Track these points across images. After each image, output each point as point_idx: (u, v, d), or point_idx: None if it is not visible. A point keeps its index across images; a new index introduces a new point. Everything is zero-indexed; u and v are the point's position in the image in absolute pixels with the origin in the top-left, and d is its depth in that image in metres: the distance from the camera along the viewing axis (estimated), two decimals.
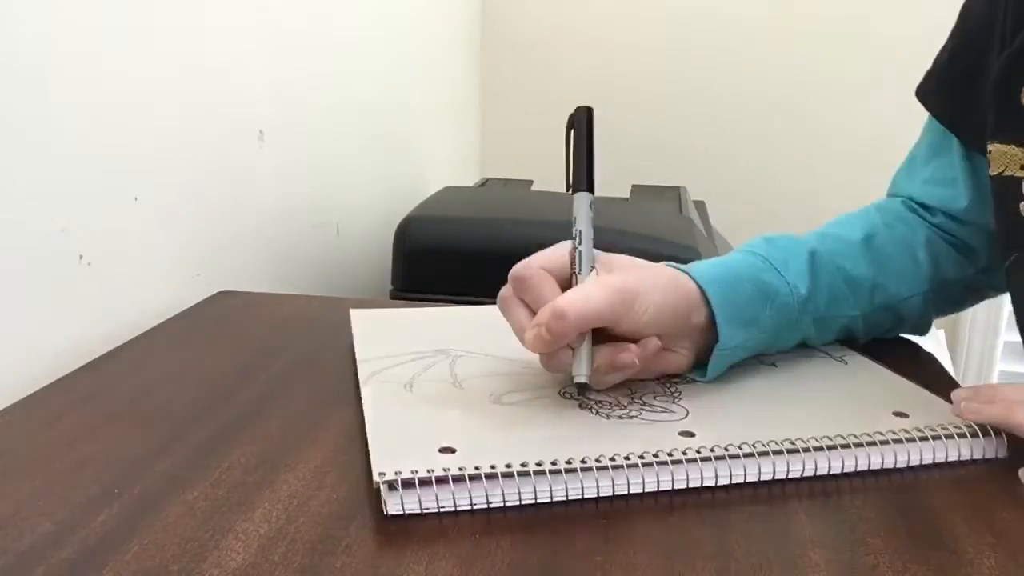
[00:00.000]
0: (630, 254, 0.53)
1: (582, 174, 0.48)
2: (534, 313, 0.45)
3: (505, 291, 0.48)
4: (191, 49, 0.73)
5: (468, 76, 1.83)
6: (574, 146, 0.48)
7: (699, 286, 0.49)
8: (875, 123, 1.66)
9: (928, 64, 0.64)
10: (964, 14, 0.60)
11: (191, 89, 0.73)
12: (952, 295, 0.62)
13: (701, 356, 0.51)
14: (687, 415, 0.47)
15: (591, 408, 0.47)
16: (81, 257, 0.60)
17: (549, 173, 1.57)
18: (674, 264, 0.52)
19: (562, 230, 0.92)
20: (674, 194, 1.33)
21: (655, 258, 0.93)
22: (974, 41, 0.58)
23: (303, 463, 0.43)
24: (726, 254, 0.56)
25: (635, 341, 0.47)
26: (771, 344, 0.55)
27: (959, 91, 0.59)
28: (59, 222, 0.58)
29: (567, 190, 0.48)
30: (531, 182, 1.46)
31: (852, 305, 0.57)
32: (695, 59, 1.79)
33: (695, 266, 0.52)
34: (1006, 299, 0.59)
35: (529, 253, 0.54)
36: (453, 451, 0.41)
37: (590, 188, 0.48)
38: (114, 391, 0.52)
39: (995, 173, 0.53)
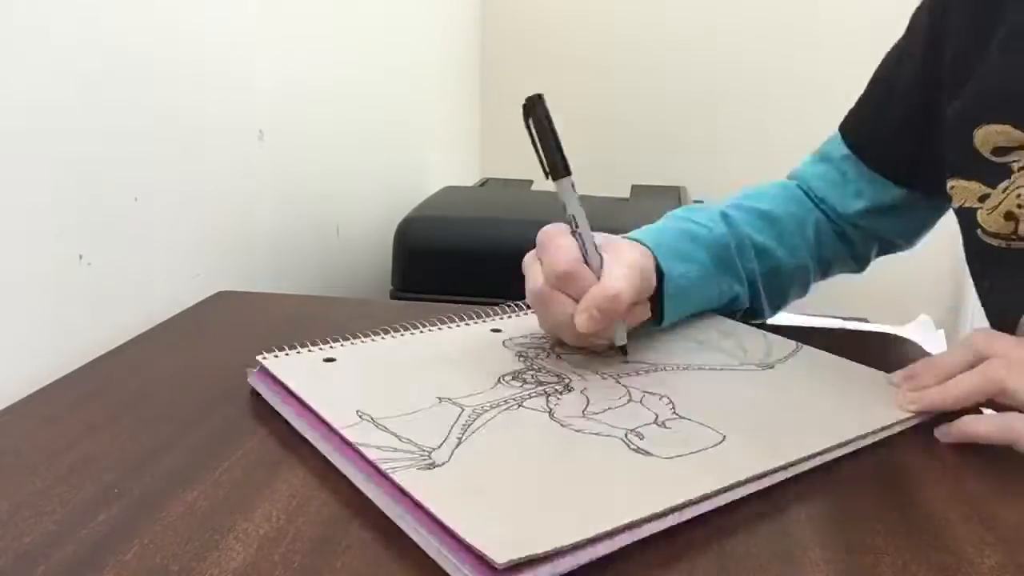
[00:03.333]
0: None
1: (556, 160, 0.51)
2: (575, 300, 0.51)
3: (541, 288, 0.52)
4: (191, 49, 0.73)
5: (468, 76, 1.83)
6: (539, 135, 0.50)
7: (642, 243, 0.57)
8: None
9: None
10: (882, 62, 0.70)
11: (191, 89, 0.73)
12: (824, 268, 0.73)
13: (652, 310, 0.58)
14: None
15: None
16: (81, 257, 0.60)
17: None
18: (620, 236, 0.58)
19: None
20: (674, 194, 1.33)
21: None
22: (885, 80, 0.69)
23: (303, 463, 0.43)
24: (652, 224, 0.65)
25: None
26: (713, 284, 0.62)
27: (871, 126, 0.69)
28: (59, 222, 0.58)
29: (546, 178, 0.51)
30: (531, 182, 1.46)
31: (752, 260, 0.65)
32: (696, 59, 1.79)
33: (630, 234, 0.61)
34: None
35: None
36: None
37: (567, 171, 0.51)
38: (114, 391, 0.52)
39: (957, 206, 0.59)
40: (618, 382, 0.52)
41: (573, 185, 0.52)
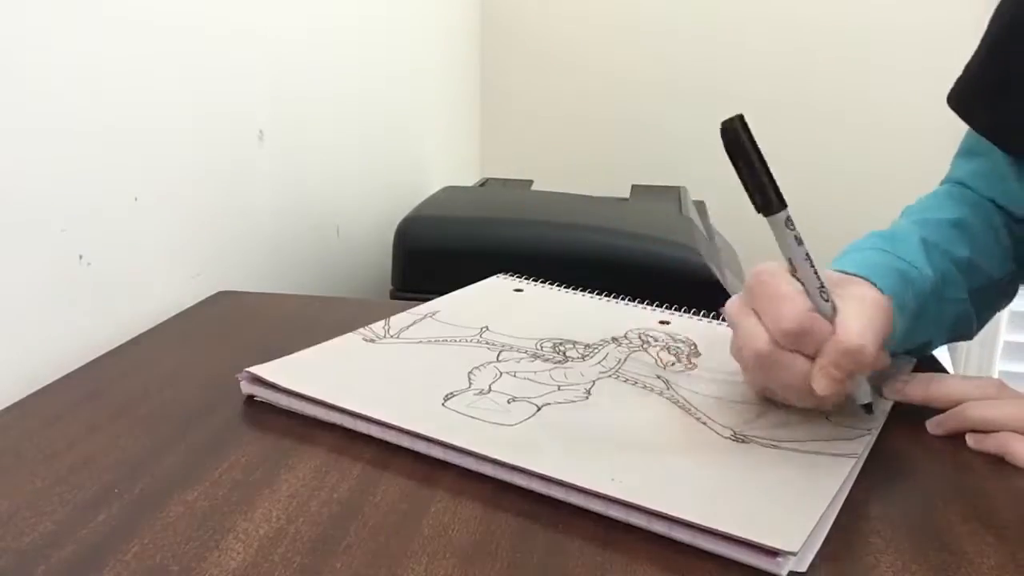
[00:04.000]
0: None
1: (767, 193, 0.42)
2: (809, 358, 0.44)
3: (766, 348, 0.44)
4: (191, 49, 0.73)
5: (468, 76, 1.83)
6: (742, 164, 0.42)
7: (866, 279, 0.49)
8: (876, 122, 1.66)
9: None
10: (995, 19, 0.60)
11: (191, 89, 0.73)
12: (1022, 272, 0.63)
13: None
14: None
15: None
16: (81, 257, 0.60)
17: (549, 173, 1.57)
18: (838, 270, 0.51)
19: (562, 230, 0.92)
20: (674, 194, 1.33)
21: (655, 258, 0.93)
22: (1007, 45, 0.58)
23: (303, 463, 0.43)
24: (847, 253, 0.55)
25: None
26: (911, 333, 0.53)
27: (995, 98, 0.59)
28: (59, 222, 0.58)
29: (757, 213, 0.43)
30: (531, 182, 1.46)
31: (962, 287, 0.57)
32: (696, 59, 1.79)
33: (836, 264, 0.52)
34: None
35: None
36: None
37: (781, 204, 0.43)
38: (114, 391, 0.52)
39: None
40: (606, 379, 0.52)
41: (790, 220, 0.43)
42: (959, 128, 0.65)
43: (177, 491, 0.40)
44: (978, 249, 0.58)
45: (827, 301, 0.44)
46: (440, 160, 1.60)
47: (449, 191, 1.24)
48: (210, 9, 0.75)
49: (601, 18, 1.82)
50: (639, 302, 0.67)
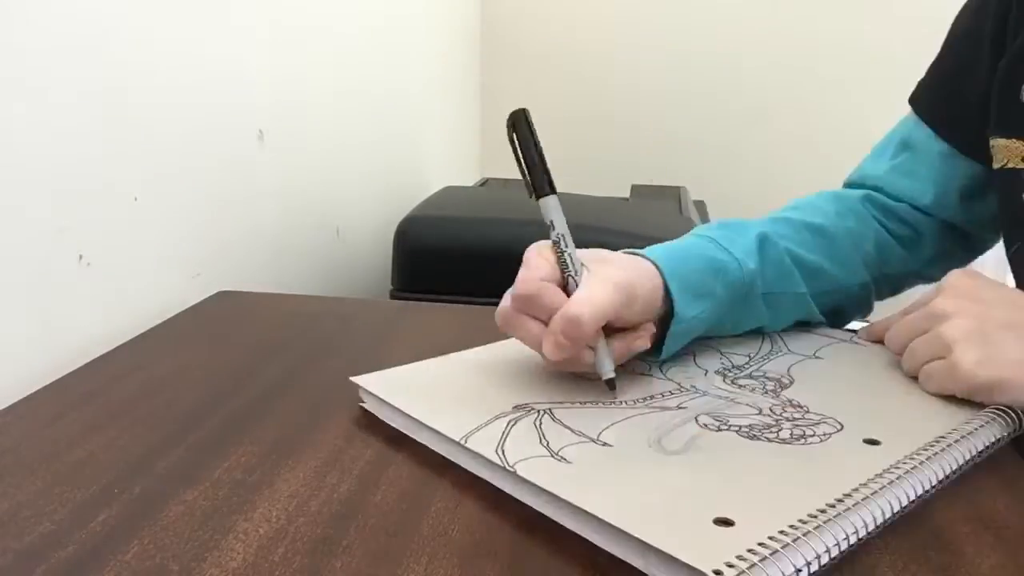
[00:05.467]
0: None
1: (541, 179, 0.49)
2: (544, 323, 0.47)
3: (506, 310, 0.48)
4: (191, 49, 0.73)
5: (468, 76, 1.83)
6: (523, 152, 0.48)
7: (653, 263, 0.51)
8: (876, 123, 1.66)
9: (925, 64, 0.68)
10: (952, 29, 0.65)
11: (191, 89, 0.73)
12: (892, 285, 0.67)
13: (656, 336, 0.52)
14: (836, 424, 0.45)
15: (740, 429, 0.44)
16: (81, 257, 0.60)
17: None
18: (631, 250, 0.53)
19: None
20: (674, 194, 1.33)
21: None
22: (960, 53, 0.64)
23: (303, 463, 0.43)
24: (684, 236, 0.59)
25: (624, 328, 0.49)
26: (725, 320, 0.56)
27: (947, 99, 0.64)
28: (59, 222, 0.58)
29: (530, 197, 0.49)
30: None
31: (799, 283, 0.59)
32: (695, 59, 1.79)
33: (649, 249, 0.54)
34: None
35: None
36: (730, 523, 0.34)
37: (552, 190, 0.49)
38: (114, 391, 0.52)
39: (999, 166, 0.56)
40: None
41: (558, 205, 0.49)
42: None
43: (177, 491, 0.40)
44: (831, 256, 0.62)
45: (574, 273, 0.48)
46: (440, 160, 1.61)
47: (449, 191, 1.24)
48: (210, 9, 0.75)
49: (601, 19, 1.82)
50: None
